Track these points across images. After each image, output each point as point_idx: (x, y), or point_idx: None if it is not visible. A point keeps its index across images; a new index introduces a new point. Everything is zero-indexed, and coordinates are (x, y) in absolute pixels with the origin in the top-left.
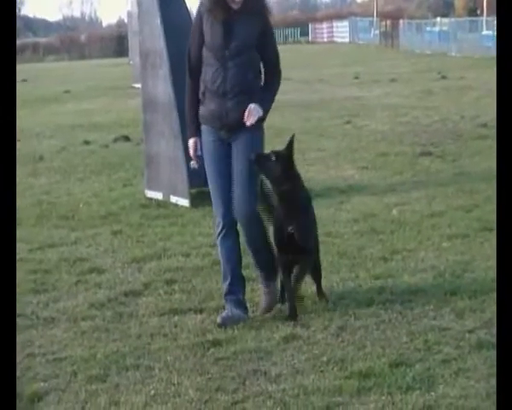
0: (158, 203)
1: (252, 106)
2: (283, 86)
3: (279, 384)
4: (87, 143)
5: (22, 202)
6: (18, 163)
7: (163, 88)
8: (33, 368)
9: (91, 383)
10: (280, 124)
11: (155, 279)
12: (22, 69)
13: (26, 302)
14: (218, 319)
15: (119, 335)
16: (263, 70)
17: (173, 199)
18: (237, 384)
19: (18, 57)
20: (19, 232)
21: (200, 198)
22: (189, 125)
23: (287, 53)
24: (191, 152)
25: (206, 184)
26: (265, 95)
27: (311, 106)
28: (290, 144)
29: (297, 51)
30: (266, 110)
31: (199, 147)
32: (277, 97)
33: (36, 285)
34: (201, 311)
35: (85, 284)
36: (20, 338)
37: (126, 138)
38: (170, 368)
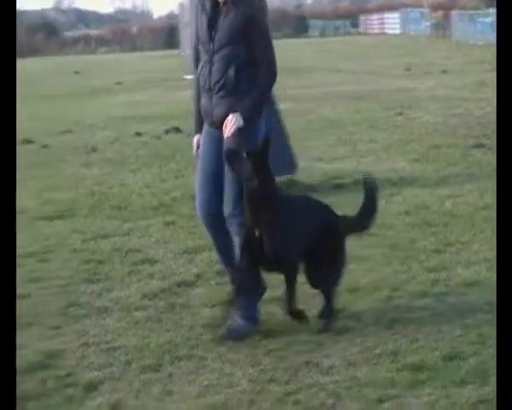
0: None
1: (230, 117)
2: (334, 78)
3: (332, 376)
4: (139, 134)
5: (75, 192)
6: (71, 154)
7: None
8: (88, 357)
9: (145, 372)
10: (331, 115)
11: (207, 270)
12: (74, 61)
13: (79, 292)
14: (220, 332)
15: (171, 325)
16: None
17: None
18: (290, 376)
19: (70, 49)
20: (72, 223)
21: None
22: (194, 121)
23: (337, 45)
24: (194, 149)
25: None
26: (250, 95)
27: (362, 97)
28: (264, 144)
29: (348, 43)
30: (247, 115)
31: (201, 144)
32: (328, 89)
33: (89, 275)
34: None
35: (138, 274)
36: (74, 327)
37: (178, 130)
38: (222, 359)
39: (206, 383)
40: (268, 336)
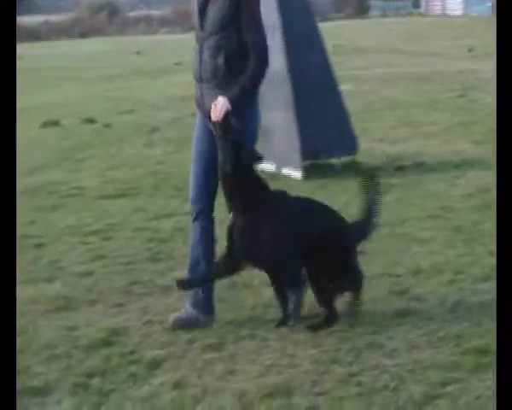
0: (270, 175)
1: (218, 99)
2: (396, 59)
3: (394, 358)
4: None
5: (138, 171)
6: (133, 133)
7: (276, 60)
8: (151, 335)
9: (207, 351)
10: (392, 96)
11: None
12: (136, 41)
13: (142, 270)
14: (170, 319)
15: (234, 304)
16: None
17: (285, 171)
18: (352, 357)
19: (132, 29)
20: (135, 202)
21: (312, 170)
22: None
23: (399, 25)
24: None
25: (318, 155)
26: (239, 81)
27: (423, 79)
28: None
29: (409, 24)
30: (235, 100)
31: (195, 133)
32: (389, 70)
33: (152, 254)
34: None
35: None
36: (137, 305)
37: None
38: (285, 339)
39: (268, 362)
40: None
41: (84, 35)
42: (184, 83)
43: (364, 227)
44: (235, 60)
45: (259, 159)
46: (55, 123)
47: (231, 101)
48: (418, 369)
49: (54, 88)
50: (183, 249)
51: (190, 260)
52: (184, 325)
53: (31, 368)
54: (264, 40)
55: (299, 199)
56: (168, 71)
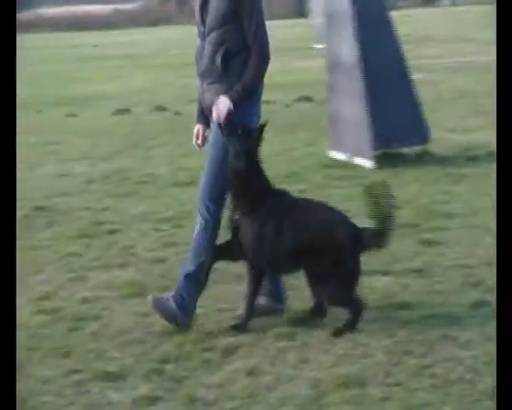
0: (341, 164)
1: (219, 100)
2: (467, 48)
3: (469, 350)
4: (269, 102)
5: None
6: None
7: (348, 48)
8: (224, 322)
9: (280, 340)
10: (463, 86)
11: None
12: None
13: None
14: (149, 297)
15: (306, 294)
16: None
17: (357, 160)
18: (426, 349)
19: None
20: None
21: (383, 160)
22: (196, 109)
23: (468, 14)
24: (193, 139)
25: (390, 145)
26: (241, 78)
27: (494, 68)
28: (261, 128)
29: (479, 12)
30: (236, 99)
31: (200, 135)
32: (460, 59)
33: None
34: (387, 273)
35: None
36: (210, 292)
37: (308, 99)
38: (357, 329)
39: (340, 352)
40: (403, 308)
41: (153, 23)
42: None
43: (377, 237)
44: (234, 56)
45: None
46: (126, 111)
47: (233, 100)
48: (493, 362)
49: (125, 76)
50: None
51: (195, 264)
52: (161, 313)
53: (106, 353)
54: (266, 35)
55: (301, 199)
56: None
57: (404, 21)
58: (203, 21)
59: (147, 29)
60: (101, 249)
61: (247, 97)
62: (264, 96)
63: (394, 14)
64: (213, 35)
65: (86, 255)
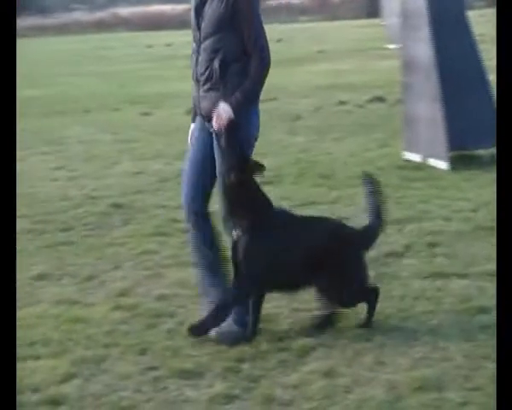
0: (416, 165)
1: (220, 107)
2: None
3: None
4: (342, 103)
5: (281, 159)
6: (276, 121)
7: (423, 49)
8: (300, 323)
9: (357, 341)
10: None
11: (416, 241)
12: (277, 29)
13: None
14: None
15: (382, 295)
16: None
17: (431, 161)
18: None
19: (273, 18)
20: (280, 189)
21: (459, 161)
22: (191, 109)
23: None
24: (188, 140)
25: (466, 146)
26: (240, 87)
27: None
28: (258, 166)
29: None
30: (236, 108)
31: (192, 133)
32: None
33: None
34: (465, 276)
35: None
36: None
37: (381, 99)
38: (435, 332)
39: (418, 355)
40: (482, 312)
41: None
42: (326, 71)
43: (372, 232)
44: (231, 62)
45: (264, 169)
46: None
47: (233, 107)
48: None
49: None
50: None
51: (208, 272)
52: (230, 341)
53: (182, 350)
54: (266, 41)
55: (299, 217)
56: (310, 59)
57: (479, 22)
58: (199, 27)
59: None
60: (176, 247)
61: (248, 105)
62: (338, 97)
63: (470, 14)
64: (209, 41)
65: (162, 253)
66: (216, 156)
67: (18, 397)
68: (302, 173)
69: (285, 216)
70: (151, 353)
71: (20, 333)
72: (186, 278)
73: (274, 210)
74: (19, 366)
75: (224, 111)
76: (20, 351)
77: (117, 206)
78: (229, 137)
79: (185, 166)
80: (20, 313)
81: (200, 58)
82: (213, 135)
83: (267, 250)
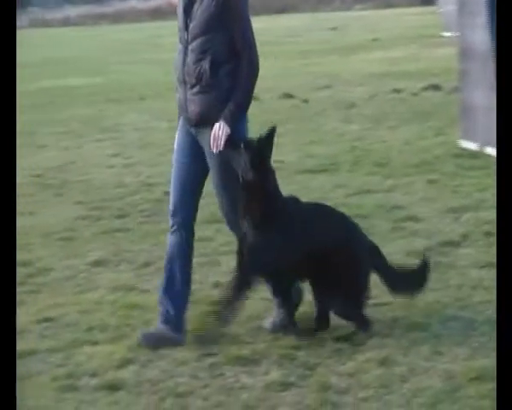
0: (472, 153)
1: (216, 129)
2: None
3: None
4: (397, 91)
5: (336, 147)
6: (330, 109)
7: (481, 36)
8: None
9: (413, 330)
10: None
11: (473, 231)
12: (331, 18)
13: None
14: (139, 334)
15: (439, 285)
16: None
17: (488, 150)
18: None
19: (326, 6)
20: (335, 177)
21: None
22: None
23: None
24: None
25: None
26: (232, 97)
27: None
28: (268, 136)
29: None
30: (231, 121)
31: (176, 140)
32: None
33: None
34: None
35: (402, 231)
36: None
37: (436, 87)
38: (492, 322)
39: (476, 345)
40: None
41: (280, 10)
42: (381, 59)
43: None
44: (221, 63)
45: (270, 149)
46: (254, 97)
47: (228, 122)
48: None
49: None
50: (385, 226)
51: (167, 275)
52: (154, 342)
53: (238, 337)
54: (254, 43)
55: (311, 205)
56: (364, 47)
57: None
58: (186, 27)
59: (273, 16)
60: (231, 235)
61: (242, 113)
62: (393, 85)
63: None
64: (198, 41)
65: (218, 240)
66: (210, 165)
67: (76, 382)
68: (357, 161)
69: (298, 207)
70: (208, 339)
71: (77, 318)
72: None
73: (287, 201)
74: (77, 350)
75: (221, 131)
76: (78, 336)
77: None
78: (232, 149)
79: (172, 172)
80: (78, 299)
81: (187, 59)
82: (202, 144)
83: (277, 239)
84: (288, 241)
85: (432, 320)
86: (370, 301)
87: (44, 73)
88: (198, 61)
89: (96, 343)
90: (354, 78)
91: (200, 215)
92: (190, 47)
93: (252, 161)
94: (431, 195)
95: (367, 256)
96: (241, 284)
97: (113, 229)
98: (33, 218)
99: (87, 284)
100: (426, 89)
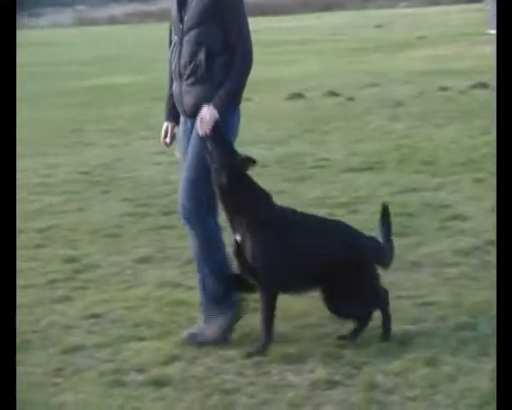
0: None
1: (204, 111)
2: None
3: None
4: (443, 89)
5: (383, 145)
6: (376, 107)
7: None
8: (401, 310)
9: (460, 330)
10: None
11: None
12: (376, 15)
13: None
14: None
15: (486, 284)
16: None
17: None
18: None
19: (371, 4)
20: (381, 175)
21: None
22: (164, 106)
23: None
24: (161, 138)
25: None
26: (224, 85)
27: None
28: (250, 162)
29: None
30: (220, 108)
31: (169, 133)
32: None
33: (399, 228)
34: None
35: (448, 230)
36: (387, 280)
37: (484, 85)
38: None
39: None
40: None
41: (325, 8)
42: (427, 57)
43: (385, 250)
44: (216, 55)
45: (254, 163)
46: (299, 95)
47: (218, 108)
48: None
49: (298, 61)
50: (431, 224)
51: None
52: (199, 341)
53: (284, 335)
54: (249, 36)
55: (307, 215)
56: (410, 45)
57: None
58: (181, 19)
59: (318, 14)
60: None
61: (232, 103)
62: (439, 83)
63: None
64: (193, 33)
65: None
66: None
67: (122, 377)
68: (404, 159)
69: (288, 212)
70: (254, 336)
71: (124, 314)
72: None
73: (275, 205)
74: (124, 346)
75: (208, 114)
76: (125, 332)
77: None
78: (216, 138)
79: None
80: (125, 295)
81: (183, 50)
82: (194, 133)
83: (277, 247)
84: (292, 247)
85: (479, 320)
86: (418, 301)
87: (91, 71)
88: (193, 52)
89: (142, 339)
90: (400, 75)
91: None
92: (186, 38)
93: (229, 166)
94: (478, 193)
95: (372, 256)
96: (269, 299)
97: (159, 226)
98: (81, 214)
99: (133, 280)
100: (473, 87)
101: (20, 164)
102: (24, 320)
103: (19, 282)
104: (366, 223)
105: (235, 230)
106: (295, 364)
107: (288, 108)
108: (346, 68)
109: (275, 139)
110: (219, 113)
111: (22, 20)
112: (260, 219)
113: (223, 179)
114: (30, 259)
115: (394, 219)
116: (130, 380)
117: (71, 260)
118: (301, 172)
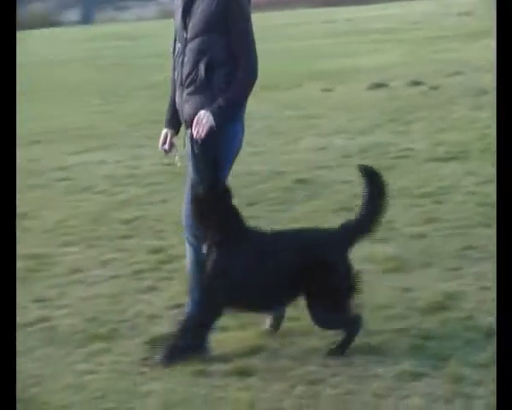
0: None
1: (201, 114)
2: None
3: None
4: None
5: (467, 135)
6: (461, 96)
7: None
8: (487, 302)
9: None
10: None
11: None
12: (459, 2)
13: (475, 235)
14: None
15: None
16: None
17: None
18: None
19: None
20: (466, 165)
21: None
22: (165, 113)
23: None
24: (159, 144)
25: None
26: (224, 94)
27: None
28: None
29: None
30: (218, 117)
31: (168, 140)
32: None
33: (484, 218)
34: None
35: None
36: (472, 270)
37: None
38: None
39: None
40: None
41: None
42: None
43: (359, 225)
44: (218, 65)
45: (228, 192)
46: (382, 85)
47: (215, 116)
48: None
49: (380, 50)
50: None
51: (188, 289)
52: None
53: (368, 326)
54: (253, 48)
55: (277, 234)
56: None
57: None
58: (185, 26)
59: (402, 3)
60: None
61: (231, 114)
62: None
63: None
64: (196, 41)
65: None
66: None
67: (208, 367)
68: (488, 149)
69: (257, 235)
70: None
71: None
72: (371, 254)
73: (245, 228)
74: (209, 336)
75: (205, 118)
76: None
77: (301, 181)
78: (206, 147)
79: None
80: None
81: (185, 59)
82: (188, 139)
83: (234, 267)
84: (245, 265)
85: None
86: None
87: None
88: (196, 61)
89: (226, 329)
90: (485, 64)
91: (327, 204)
92: (189, 46)
93: (210, 179)
94: None
95: (343, 257)
96: (203, 317)
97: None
98: (165, 205)
99: None
100: None
101: (107, 156)
102: (111, 310)
103: (106, 272)
104: (452, 214)
105: (203, 241)
106: (379, 355)
107: (370, 98)
108: (430, 57)
109: (357, 129)
110: (216, 121)
111: (108, 13)
112: (223, 238)
113: (199, 190)
114: (116, 249)
115: (479, 210)
116: (215, 370)
117: (156, 250)
118: (385, 162)
